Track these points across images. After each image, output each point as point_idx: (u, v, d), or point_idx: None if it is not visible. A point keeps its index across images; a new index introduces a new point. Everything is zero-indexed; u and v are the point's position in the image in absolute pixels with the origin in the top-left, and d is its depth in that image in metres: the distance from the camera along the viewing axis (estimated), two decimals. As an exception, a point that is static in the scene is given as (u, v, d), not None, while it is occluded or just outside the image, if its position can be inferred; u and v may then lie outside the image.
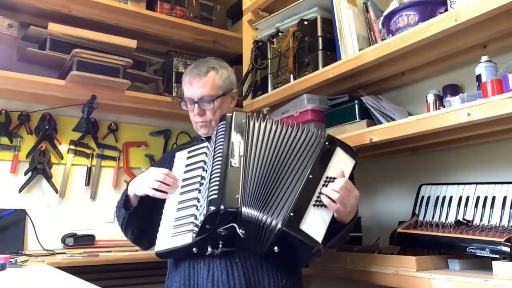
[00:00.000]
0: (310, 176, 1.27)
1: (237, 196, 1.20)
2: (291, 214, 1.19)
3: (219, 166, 1.26)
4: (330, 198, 1.22)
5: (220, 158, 1.27)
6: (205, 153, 1.39)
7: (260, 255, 1.24)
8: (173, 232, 1.25)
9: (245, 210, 1.19)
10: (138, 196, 1.37)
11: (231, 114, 1.40)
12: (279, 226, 1.17)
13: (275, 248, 1.19)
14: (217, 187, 1.21)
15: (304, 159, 1.32)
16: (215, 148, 1.32)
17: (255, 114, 1.43)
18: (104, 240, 2.34)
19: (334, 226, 1.25)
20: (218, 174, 1.24)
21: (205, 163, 1.36)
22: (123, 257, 2.14)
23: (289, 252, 1.22)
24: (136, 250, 2.30)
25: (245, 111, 1.46)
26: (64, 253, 2.08)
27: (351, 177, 1.34)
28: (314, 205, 1.23)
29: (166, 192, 1.33)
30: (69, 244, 2.22)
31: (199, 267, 1.26)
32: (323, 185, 1.26)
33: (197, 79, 1.46)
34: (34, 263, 1.74)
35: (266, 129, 1.37)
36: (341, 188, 1.23)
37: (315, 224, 1.20)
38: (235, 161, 1.26)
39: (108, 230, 2.40)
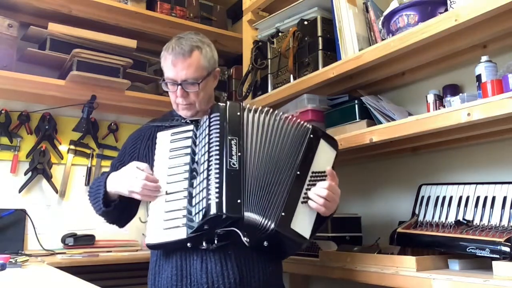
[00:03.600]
0: (298, 172, 1.28)
1: (239, 200, 1.18)
2: (283, 213, 1.20)
3: (218, 166, 1.21)
4: (317, 202, 1.26)
5: (218, 157, 1.23)
6: (191, 138, 1.33)
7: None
8: (165, 226, 1.22)
9: (248, 215, 1.18)
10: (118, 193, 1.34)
11: (224, 106, 1.33)
12: (272, 226, 1.18)
13: (265, 242, 1.22)
14: (217, 189, 1.18)
15: (292, 154, 1.31)
16: (209, 142, 1.26)
17: (248, 104, 1.37)
18: (104, 240, 2.34)
19: (318, 218, 1.29)
20: (218, 175, 1.20)
21: (192, 150, 1.31)
22: (123, 257, 2.14)
23: (278, 246, 1.26)
24: (136, 250, 2.31)
25: (237, 102, 1.37)
26: (64, 253, 2.08)
27: (332, 168, 1.35)
28: (302, 202, 1.26)
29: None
30: (69, 244, 2.22)
31: (191, 259, 1.25)
32: (310, 181, 1.29)
33: (181, 60, 1.34)
34: (34, 263, 1.74)
35: (260, 122, 1.33)
36: (327, 195, 1.26)
37: (303, 222, 1.24)
38: (233, 162, 1.23)
39: (108, 230, 2.39)
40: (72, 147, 2.41)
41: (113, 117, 2.57)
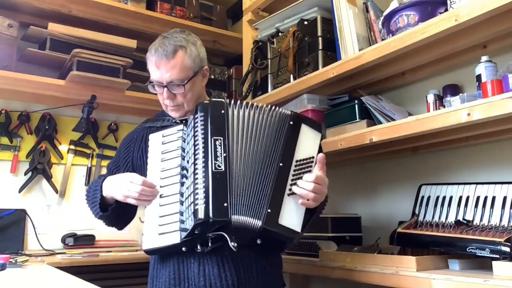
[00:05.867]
0: (281, 164, 1.24)
1: (225, 204, 1.16)
2: (269, 210, 1.18)
3: (204, 170, 1.19)
4: (303, 196, 1.22)
5: (203, 160, 1.20)
6: (182, 137, 1.31)
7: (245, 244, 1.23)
8: (160, 231, 1.22)
9: (235, 218, 1.16)
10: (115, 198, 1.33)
11: (208, 104, 1.29)
12: (259, 224, 1.17)
13: (258, 240, 1.21)
14: (204, 194, 1.16)
15: (273, 145, 1.27)
16: (195, 144, 1.24)
17: (232, 100, 1.33)
18: (104, 240, 2.34)
19: (308, 209, 1.26)
20: (204, 179, 1.18)
21: (183, 150, 1.29)
22: (123, 257, 2.14)
23: (271, 242, 1.24)
24: (136, 250, 2.31)
25: (222, 98, 1.35)
26: (64, 253, 2.08)
27: (319, 152, 1.32)
28: (289, 194, 1.23)
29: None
30: (69, 244, 2.23)
31: (189, 262, 1.25)
32: (295, 171, 1.25)
33: (164, 61, 1.30)
34: (34, 263, 1.74)
35: (245, 118, 1.29)
36: (314, 188, 1.22)
37: (292, 215, 1.21)
38: (219, 163, 1.20)
39: (108, 230, 2.38)
40: (72, 147, 2.41)
41: (113, 117, 2.57)
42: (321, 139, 1.35)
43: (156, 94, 1.40)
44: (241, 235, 1.18)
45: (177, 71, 1.31)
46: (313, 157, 1.29)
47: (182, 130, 1.33)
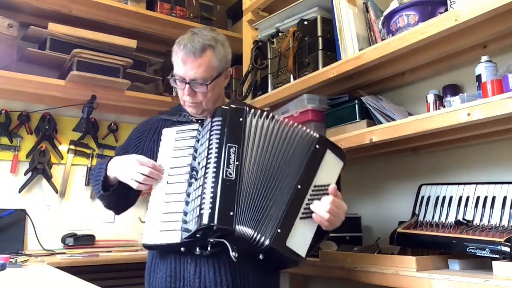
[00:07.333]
0: (299, 186, 1.23)
1: (231, 213, 1.14)
2: (278, 230, 1.17)
3: (214, 175, 1.18)
4: (321, 216, 1.21)
5: (215, 165, 1.19)
6: (196, 137, 1.30)
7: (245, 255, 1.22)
8: (161, 227, 1.22)
9: (239, 228, 1.15)
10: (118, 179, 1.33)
11: (227, 110, 1.27)
12: (266, 243, 1.15)
13: (260, 256, 1.20)
14: (211, 199, 1.15)
15: (294, 165, 1.25)
16: (208, 147, 1.23)
17: (252, 109, 1.30)
18: (104, 240, 2.34)
19: (318, 232, 1.25)
20: (213, 185, 1.17)
21: (195, 150, 1.28)
22: (123, 257, 2.14)
23: (272, 260, 1.23)
24: (136, 250, 2.31)
25: (242, 105, 1.33)
26: (64, 253, 2.08)
27: (338, 180, 1.31)
28: (301, 218, 1.21)
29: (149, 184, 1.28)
30: (69, 244, 2.23)
31: (185, 262, 1.24)
32: (311, 195, 1.24)
33: (192, 58, 1.29)
34: (34, 263, 1.74)
35: (263, 129, 1.27)
36: (330, 209, 1.21)
37: (300, 239, 1.20)
38: (230, 171, 1.18)
39: (108, 230, 2.40)
40: (72, 147, 2.41)
41: (113, 117, 2.58)
42: (342, 168, 1.33)
43: (176, 88, 1.38)
44: (243, 246, 1.17)
45: (202, 70, 1.30)
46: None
47: (197, 130, 1.32)
